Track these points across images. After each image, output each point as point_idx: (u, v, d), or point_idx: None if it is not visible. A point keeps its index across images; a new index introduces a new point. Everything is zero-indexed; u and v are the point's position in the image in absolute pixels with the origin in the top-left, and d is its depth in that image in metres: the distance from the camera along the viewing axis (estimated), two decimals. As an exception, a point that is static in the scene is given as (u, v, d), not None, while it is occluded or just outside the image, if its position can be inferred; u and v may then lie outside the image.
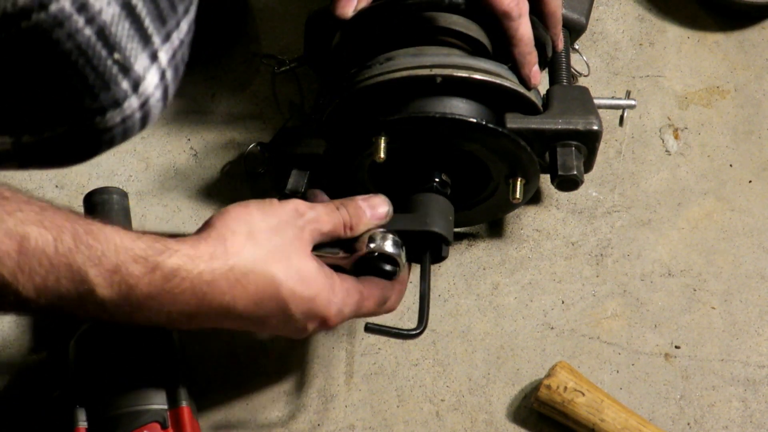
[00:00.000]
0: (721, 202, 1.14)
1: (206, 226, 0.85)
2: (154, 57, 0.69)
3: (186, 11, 0.71)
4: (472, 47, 1.01)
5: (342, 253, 0.91)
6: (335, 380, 1.07)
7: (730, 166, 1.16)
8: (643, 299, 1.10)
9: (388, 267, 0.94)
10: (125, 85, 0.68)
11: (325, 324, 0.89)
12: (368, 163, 1.00)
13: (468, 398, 1.06)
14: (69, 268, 0.75)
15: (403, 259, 0.94)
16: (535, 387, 1.04)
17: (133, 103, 0.69)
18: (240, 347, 1.07)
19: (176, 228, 1.13)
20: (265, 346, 1.07)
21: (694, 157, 1.16)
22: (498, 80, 0.98)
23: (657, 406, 1.05)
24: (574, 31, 1.11)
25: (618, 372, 1.07)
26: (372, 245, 0.92)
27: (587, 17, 1.11)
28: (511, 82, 0.99)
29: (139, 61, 0.68)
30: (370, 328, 0.93)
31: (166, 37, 0.69)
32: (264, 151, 1.12)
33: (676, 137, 1.17)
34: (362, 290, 0.91)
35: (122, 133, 0.71)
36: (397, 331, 0.95)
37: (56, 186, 1.15)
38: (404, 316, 1.07)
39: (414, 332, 0.95)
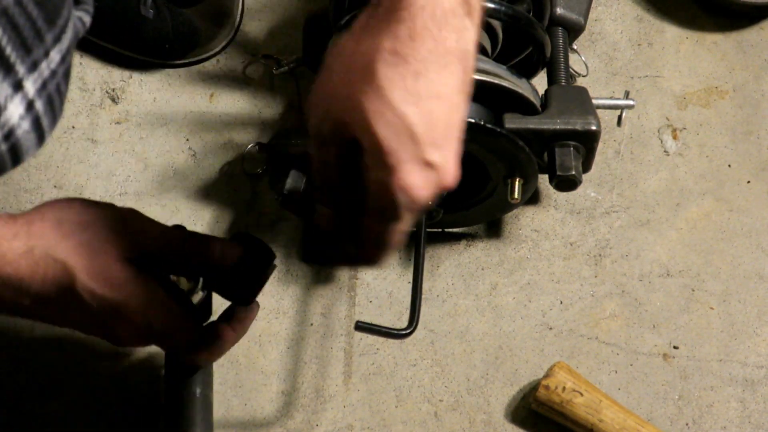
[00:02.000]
0: (719, 202, 1.14)
1: (31, 210, 0.83)
2: (17, 86, 0.67)
3: (57, 40, 0.69)
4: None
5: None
6: (333, 380, 1.07)
7: (729, 166, 1.16)
8: (642, 299, 1.10)
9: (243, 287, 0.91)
10: None
11: (135, 334, 0.85)
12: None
13: (466, 398, 1.06)
14: None
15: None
16: (534, 387, 1.04)
17: None
18: (239, 347, 1.07)
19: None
20: (264, 346, 1.07)
21: (693, 158, 1.16)
22: (496, 80, 0.98)
23: (655, 407, 1.05)
24: (572, 31, 1.11)
25: (616, 372, 1.07)
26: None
27: (586, 17, 1.11)
28: (509, 82, 0.99)
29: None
30: (360, 327, 0.92)
31: (33, 66, 0.67)
32: (262, 152, 1.12)
33: (675, 137, 1.17)
34: (181, 319, 0.87)
35: None
36: (387, 330, 0.95)
37: (54, 186, 1.15)
38: (403, 315, 1.07)
39: (404, 332, 0.94)
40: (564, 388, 1.01)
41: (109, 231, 0.83)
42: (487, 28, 1.02)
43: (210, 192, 1.15)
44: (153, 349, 1.07)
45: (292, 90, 1.19)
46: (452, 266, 1.11)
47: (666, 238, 1.12)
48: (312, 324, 1.08)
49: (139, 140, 1.17)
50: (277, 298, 1.10)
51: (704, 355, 1.07)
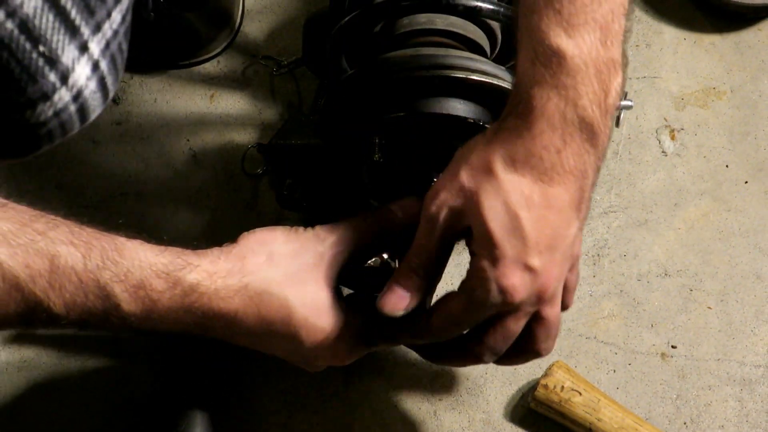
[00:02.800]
0: (717, 202, 1.14)
1: (231, 242, 0.84)
2: (83, 48, 0.68)
3: (117, 1, 0.71)
4: (470, 48, 1.02)
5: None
6: (334, 379, 1.07)
7: (726, 166, 1.16)
8: (640, 299, 1.10)
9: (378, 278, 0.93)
10: (53, 77, 0.68)
11: (337, 359, 0.87)
12: (367, 163, 1.00)
13: (466, 397, 1.06)
14: (96, 284, 0.76)
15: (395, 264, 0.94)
16: (533, 386, 1.04)
17: (63, 95, 0.69)
18: (239, 347, 1.08)
19: (175, 228, 1.13)
20: (263, 346, 1.08)
21: (691, 158, 1.17)
22: (495, 81, 0.98)
23: (653, 406, 1.06)
24: None
25: (615, 371, 1.07)
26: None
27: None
28: (508, 83, 0.99)
29: (67, 53, 0.68)
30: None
31: (96, 28, 0.69)
32: (262, 152, 1.12)
33: (673, 138, 1.18)
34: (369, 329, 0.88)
35: (59, 126, 0.71)
36: None
37: (56, 187, 1.16)
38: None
39: None
40: (562, 388, 1.02)
41: (312, 255, 0.84)
42: (485, 29, 1.03)
43: (210, 192, 1.15)
44: (153, 348, 1.07)
45: (292, 91, 1.19)
46: (452, 266, 1.10)
47: (664, 238, 1.13)
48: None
49: (139, 141, 1.18)
50: (277, 297, 1.10)
51: (702, 355, 1.08)
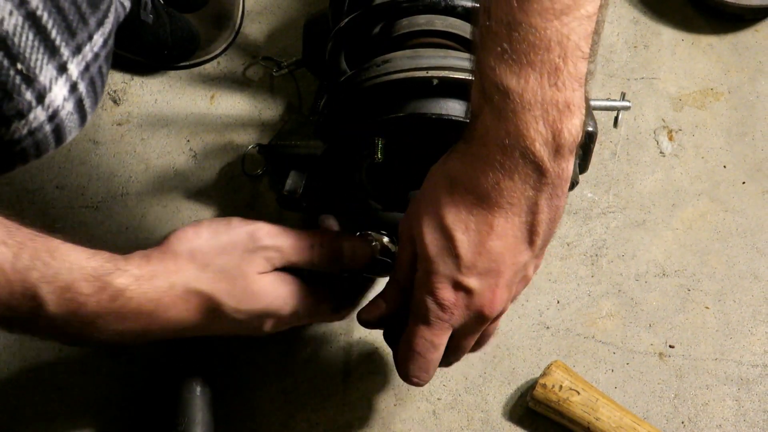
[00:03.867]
0: (714, 203, 1.15)
1: (157, 244, 0.85)
2: (62, 69, 0.68)
3: (100, 24, 0.71)
4: (469, 49, 1.02)
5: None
6: (333, 379, 1.07)
7: (724, 167, 1.16)
8: (638, 299, 1.10)
9: (384, 272, 0.95)
10: (29, 95, 0.68)
11: (280, 322, 0.88)
12: (366, 163, 1.00)
13: (464, 397, 1.06)
14: (23, 284, 0.76)
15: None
16: (531, 386, 1.05)
17: (39, 115, 0.69)
18: (238, 347, 1.08)
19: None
20: (264, 346, 1.08)
21: (688, 159, 1.17)
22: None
23: (651, 405, 1.06)
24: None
25: (613, 371, 1.07)
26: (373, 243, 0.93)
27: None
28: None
29: (45, 73, 0.68)
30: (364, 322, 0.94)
31: (77, 50, 0.69)
32: (262, 153, 1.13)
33: (671, 139, 1.18)
34: (316, 293, 0.90)
35: (34, 145, 0.71)
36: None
37: (56, 187, 1.16)
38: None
39: None
40: (561, 387, 1.02)
41: (242, 252, 0.85)
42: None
43: (211, 193, 1.15)
44: (153, 348, 1.07)
45: (292, 92, 1.20)
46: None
47: (662, 239, 1.13)
48: (311, 323, 1.09)
49: (140, 141, 1.18)
50: (276, 297, 1.10)
51: (700, 354, 1.08)
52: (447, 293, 0.81)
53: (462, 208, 0.80)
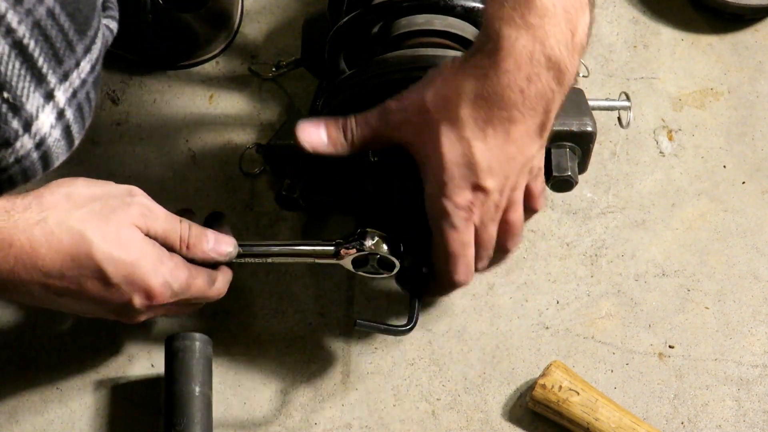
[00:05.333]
0: (714, 202, 1.15)
1: (37, 188, 0.84)
2: (49, 96, 0.68)
3: (87, 51, 0.70)
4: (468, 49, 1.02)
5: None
6: (332, 379, 1.07)
7: (724, 167, 1.16)
8: (638, 299, 1.10)
9: (382, 270, 0.95)
10: (15, 124, 0.68)
11: (151, 296, 0.87)
12: (363, 164, 1.00)
13: (464, 397, 1.06)
14: None
15: (397, 261, 0.95)
16: (530, 386, 1.04)
17: (26, 143, 0.69)
18: (238, 347, 1.08)
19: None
20: (262, 346, 1.08)
21: (688, 159, 1.17)
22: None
23: (651, 405, 1.06)
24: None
25: (612, 371, 1.07)
26: (370, 244, 0.93)
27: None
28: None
29: (31, 101, 0.68)
30: (360, 324, 0.94)
31: (64, 77, 0.69)
32: (261, 152, 1.13)
33: (670, 139, 1.18)
34: (191, 268, 0.90)
35: (21, 173, 0.71)
36: (386, 327, 0.96)
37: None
38: (401, 315, 1.08)
39: (404, 328, 0.96)
40: (560, 387, 1.02)
41: (118, 202, 0.85)
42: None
43: (209, 192, 1.15)
44: (152, 348, 1.07)
45: (291, 91, 1.20)
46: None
47: (661, 239, 1.13)
48: (310, 324, 1.09)
49: (139, 141, 1.18)
50: (275, 298, 1.10)
51: (699, 355, 1.08)
52: (467, 195, 0.87)
53: (481, 120, 0.84)
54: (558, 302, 1.10)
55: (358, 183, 1.03)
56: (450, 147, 0.85)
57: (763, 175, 1.16)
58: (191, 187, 1.16)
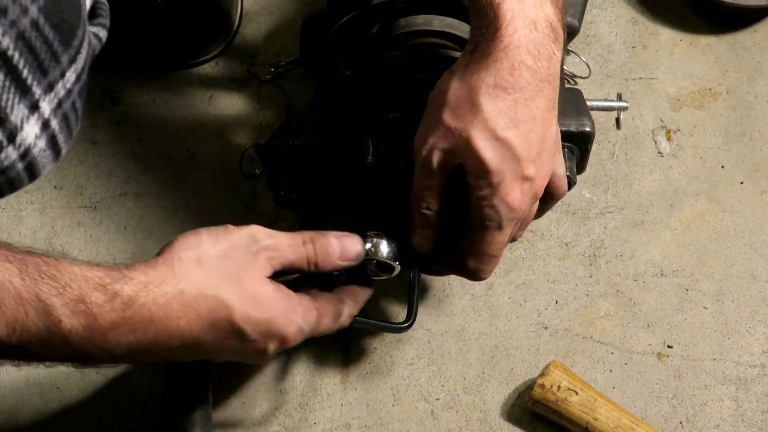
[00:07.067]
0: (713, 203, 1.15)
1: (157, 254, 0.84)
2: (34, 107, 0.68)
3: (72, 61, 0.70)
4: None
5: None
6: (331, 379, 1.07)
7: (722, 167, 1.17)
8: (636, 299, 1.10)
9: (381, 272, 0.95)
10: None
11: (285, 343, 0.87)
12: (361, 164, 1.00)
13: (462, 397, 1.07)
14: (36, 298, 0.75)
15: (396, 264, 0.95)
16: (529, 386, 1.05)
17: (10, 154, 0.68)
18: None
19: (174, 228, 1.14)
20: (261, 346, 1.08)
21: (687, 159, 1.17)
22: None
23: (650, 405, 1.06)
24: (567, 33, 1.12)
25: (611, 371, 1.07)
26: (369, 248, 0.93)
27: (580, 20, 1.11)
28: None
29: (16, 112, 0.67)
30: (358, 321, 0.94)
31: (49, 87, 0.69)
32: (259, 152, 1.13)
33: (669, 139, 1.18)
34: (318, 307, 0.90)
35: (7, 183, 0.70)
36: (385, 324, 0.97)
37: (55, 187, 1.16)
38: (400, 315, 1.08)
39: (403, 326, 0.96)
40: (559, 387, 1.02)
41: (244, 255, 0.85)
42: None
43: (209, 193, 1.16)
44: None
45: (290, 91, 1.20)
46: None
47: (660, 239, 1.13)
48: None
49: (138, 141, 1.18)
50: (275, 297, 1.10)
51: (698, 354, 1.08)
52: (517, 194, 0.86)
53: (505, 110, 0.84)
54: (557, 302, 1.10)
55: (357, 183, 1.03)
56: (487, 148, 0.84)
57: (762, 176, 1.16)
58: (190, 187, 1.16)
